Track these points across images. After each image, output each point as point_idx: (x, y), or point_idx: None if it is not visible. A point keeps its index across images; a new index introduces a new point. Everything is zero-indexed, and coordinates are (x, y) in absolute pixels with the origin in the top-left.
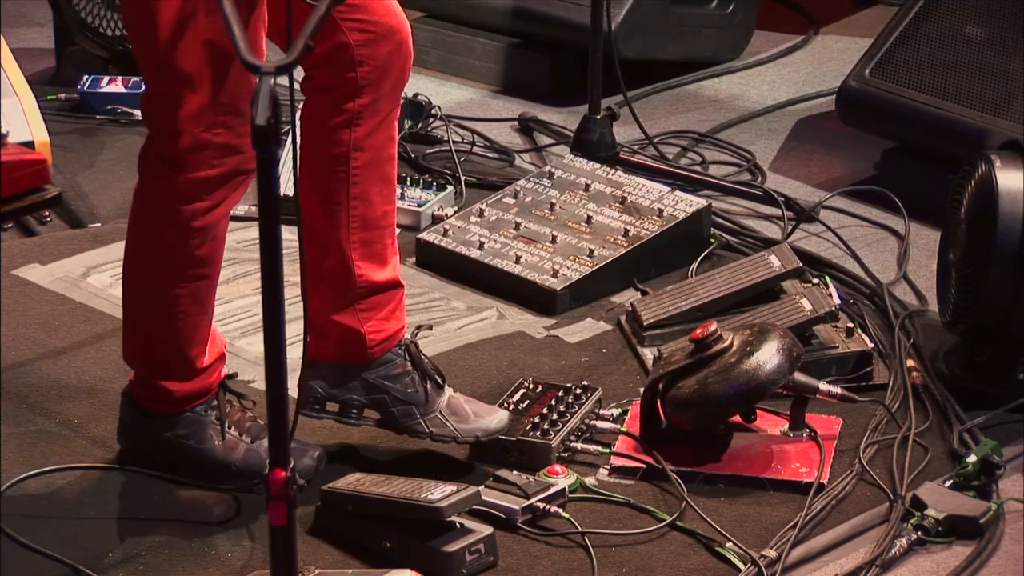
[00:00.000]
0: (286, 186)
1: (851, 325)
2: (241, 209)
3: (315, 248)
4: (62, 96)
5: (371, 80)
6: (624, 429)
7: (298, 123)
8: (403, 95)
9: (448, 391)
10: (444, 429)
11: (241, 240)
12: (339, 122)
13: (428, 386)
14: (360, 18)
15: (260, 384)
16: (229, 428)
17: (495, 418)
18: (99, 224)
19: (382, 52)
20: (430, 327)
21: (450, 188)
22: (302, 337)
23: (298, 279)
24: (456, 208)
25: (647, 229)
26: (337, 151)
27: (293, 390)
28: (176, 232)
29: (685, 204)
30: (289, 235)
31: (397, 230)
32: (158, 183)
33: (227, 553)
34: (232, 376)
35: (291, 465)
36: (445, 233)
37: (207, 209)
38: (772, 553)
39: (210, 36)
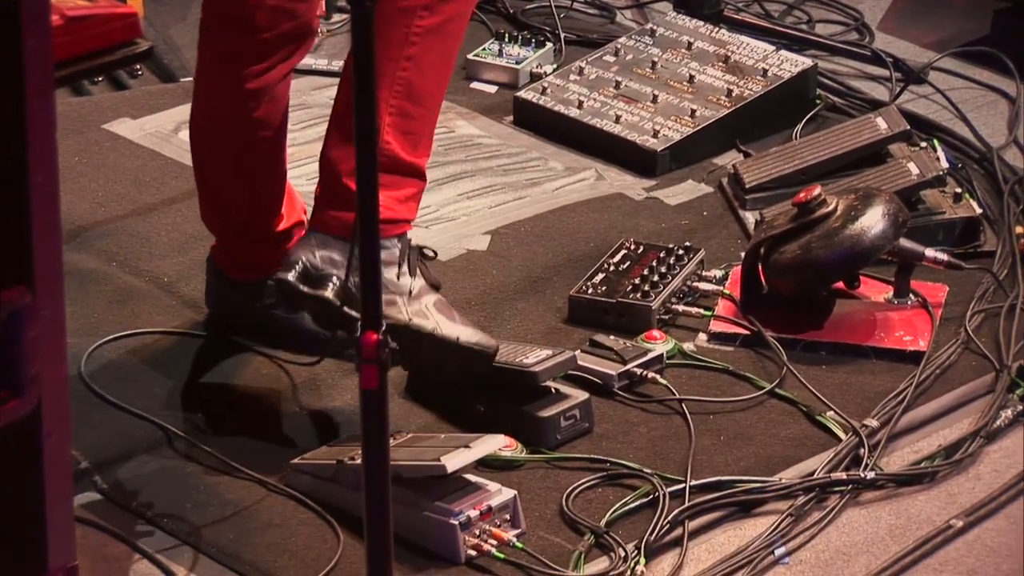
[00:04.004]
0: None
1: (959, 190)
2: (335, 64)
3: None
4: None
5: None
6: (726, 291)
7: None
8: None
9: (439, 295)
10: (425, 320)
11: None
12: None
13: (416, 281)
14: None
15: None
16: None
17: (474, 332)
18: (191, 78)
19: None
20: (434, 255)
21: (549, 45)
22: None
23: None
24: (555, 66)
25: (751, 89)
26: (405, 4)
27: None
28: (230, 93)
29: (790, 64)
30: None
31: (492, 88)
32: (214, 42)
33: (318, 416)
34: None
35: (383, 327)
36: (543, 91)
37: (260, 72)
38: (874, 423)
39: None
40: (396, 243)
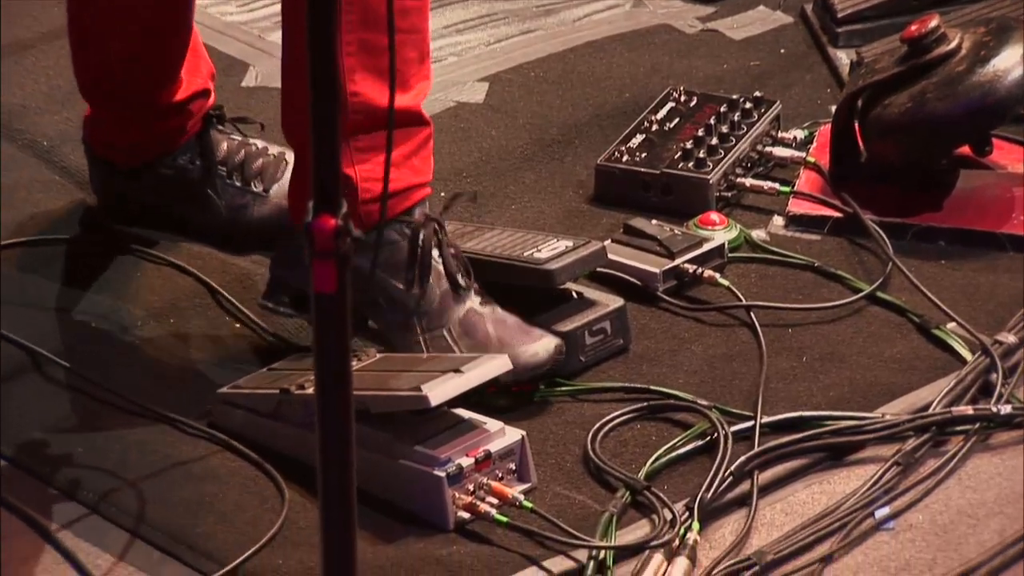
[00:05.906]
0: None
1: None
2: None
3: (296, 46)
4: None
5: None
6: (811, 160)
7: None
8: None
9: (470, 301)
10: (443, 359)
11: None
12: None
13: (439, 289)
14: None
15: None
16: (229, 177)
17: (531, 348)
18: None
19: None
20: (474, 196)
21: None
22: None
23: None
24: None
25: None
26: None
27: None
28: None
29: None
30: None
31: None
32: None
33: (254, 331)
34: (218, 109)
35: (343, 210)
36: None
37: None
38: (1011, 338)
39: None
40: (404, 230)
